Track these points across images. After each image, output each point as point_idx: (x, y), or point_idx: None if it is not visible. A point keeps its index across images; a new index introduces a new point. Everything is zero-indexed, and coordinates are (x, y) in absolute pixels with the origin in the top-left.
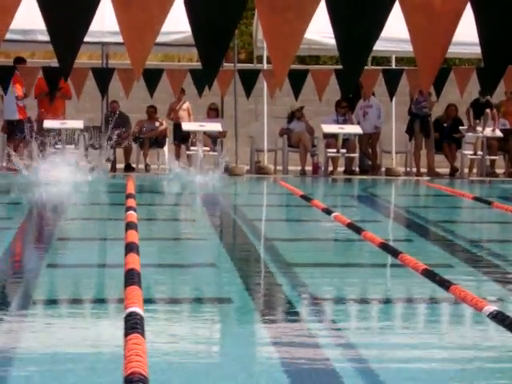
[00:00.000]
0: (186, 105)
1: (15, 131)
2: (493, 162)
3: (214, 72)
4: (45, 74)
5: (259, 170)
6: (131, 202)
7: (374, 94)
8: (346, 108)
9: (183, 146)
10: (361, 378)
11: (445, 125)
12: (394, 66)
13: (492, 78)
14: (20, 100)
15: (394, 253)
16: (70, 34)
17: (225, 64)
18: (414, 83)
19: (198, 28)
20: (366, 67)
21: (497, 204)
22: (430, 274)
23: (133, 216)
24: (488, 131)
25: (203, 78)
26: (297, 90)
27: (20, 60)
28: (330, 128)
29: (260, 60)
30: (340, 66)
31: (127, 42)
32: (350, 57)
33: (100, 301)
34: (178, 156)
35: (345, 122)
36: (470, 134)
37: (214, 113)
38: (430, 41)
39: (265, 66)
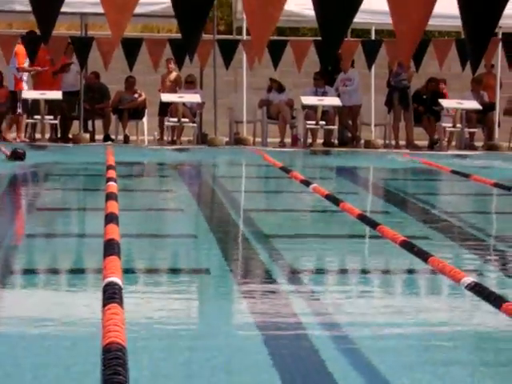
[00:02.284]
0: (174, 75)
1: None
2: (472, 134)
3: (194, 43)
4: (24, 43)
5: (238, 142)
6: (111, 173)
7: (353, 66)
8: (322, 80)
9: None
10: (338, 346)
11: (424, 97)
12: (373, 38)
13: (475, 51)
14: (19, 72)
15: (373, 224)
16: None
17: (204, 35)
18: (392, 55)
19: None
20: (344, 39)
21: (475, 177)
22: (408, 246)
23: (113, 187)
24: (467, 104)
25: (184, 49)
26: (276, 60)
27: (31, 33)
28: (310, 100)
29: (239, 31)
30: (319, 38)
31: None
32: (330, 29)
33: (79, 271)
34: (162, 127)
35: (323, 94)
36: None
37: (191, 85)
38: (410, 13)
39: (244, 37)
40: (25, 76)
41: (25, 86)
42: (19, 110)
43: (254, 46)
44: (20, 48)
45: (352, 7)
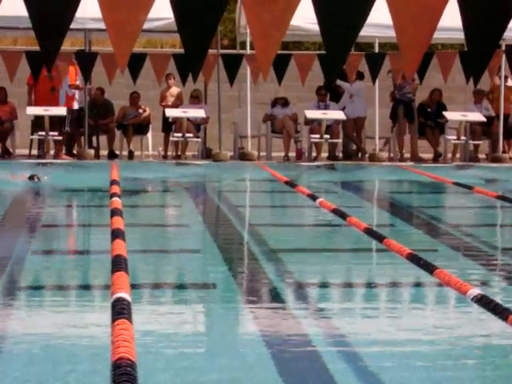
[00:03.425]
0: (175, 90)
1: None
2: (476, 146)
3: (199, 61)
4: (28, 60)
5: (243, 156)
6: (115, 189)
7: (362, 78)
8: (324, 95)
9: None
10: (345, 362)
11: (429, 110)
12: (376, 51)
13: (477, 63)
14: (71, 89)
15: (379, 238)
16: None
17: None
18: (396, 67)
19: (182, 16)
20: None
21: (478, 189)
22: (414, 259)
23: (117, 202)
24: (471, 116)
25: (188, 67)
26: (280, 75)
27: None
28: (314, 114)
29: (243, 46)
30: (323, 52)
31: (112, 35)
32: (334, 43)
33: (87, 287)
34: (166, 143)
35: (326, 107)
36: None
37: (196, 99)
38: (415, 27)
39: (248, 51)
40: (76, 94)
41: (76, 104)
42: (67, 128)
43: (260, 64)
44: (72, 66)
45: (357, 22)
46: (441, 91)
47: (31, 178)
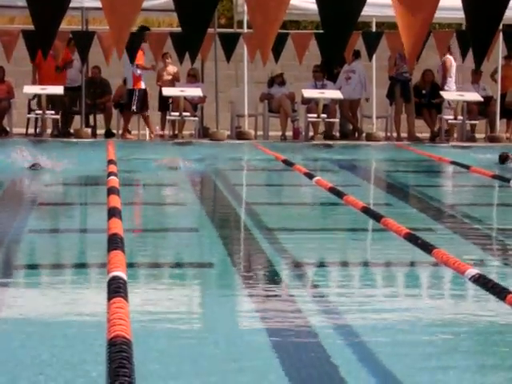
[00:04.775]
0: (171, 69)
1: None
2: (473, 126)
3: (197, 40)
4: (25, 39)
5: (240, 136)
6: (112, 168)
7: (359, 57)
8: (321, 73)
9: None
10: (341, 341)
11: (423, 91)
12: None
13: (479, 45)
14: (138, 69)
15: (377, 217)
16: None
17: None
18: (393, 47)
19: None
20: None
21: (474, 168)
22: (412, 238)
23: (114, 181)
24: (468, 96)
25: (186, 46)
26: (277, 53)
27: (144, 29)
28: (311, 93)
29: (240, 25)
30: (320, 31)
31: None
32: (333, 24)
33: (83, 265)
34: (163, 122)
35: (322, 87)
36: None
37: (193, 78)
38: (414, 11)
39: (245, 30)
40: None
41: (143, 84)
42: (133, 108)
43: (260, 44)
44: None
45: (357, 4)
46: (432, 72)
47: (33, 166)
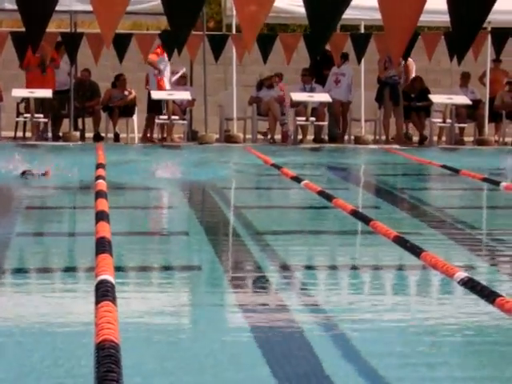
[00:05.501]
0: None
1: None
2: (462, 129)
3: (184, 36)
4: (14, 41)
5: (228, 139)
6: (101, 172)
7: (347, 59)
8: (310, 77)
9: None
10: (330, 343)
11: (412, 95)
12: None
13: (461, 44)
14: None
15: (365, 220)
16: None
17: (193, 32)
18: (382, 49)
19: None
20: (333, 33)
21: (464, 172)
22: (401, 241)
23: (102, 185)
24: (457, 99)
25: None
26: (265, 55)
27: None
28: (300, 96)
29: (229, 29)
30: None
31: (97, 12)
32: (319, 20)
33: (71, 269)
34: (151, 126)
35: (311, 90)
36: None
37: (182, 80)
38: (400, 10)
39: (234, 32)
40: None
41: (167, 84)
42: (164, 111)
43: (245, 35)
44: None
45: (342, 2)
46: (422, 78)
47: (23, 173)
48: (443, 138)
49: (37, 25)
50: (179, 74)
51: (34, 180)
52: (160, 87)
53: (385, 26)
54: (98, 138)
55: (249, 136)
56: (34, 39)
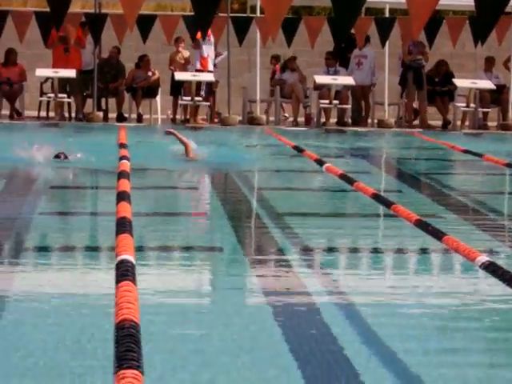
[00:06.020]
0: (184, 54)
1: None
2: (485, 114)
3: (208, 20)
4: (38, 21)
5: (251, 121)
6: (124, 152)
7: (368, 41)
8: (333, 60)
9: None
10: (350, 325)
11: (436, 80)
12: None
13: (484, 25)
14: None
15: (387, 203)
16: None
17: (218, 14)
18: (405, 31)
19: None
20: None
21: (487, 157)
22: (422, 225)
23: (126, 165)
24: (481, 83)
25: (198, 26)
26: (289, 37)
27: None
28: (323, 79)
29: (253, 10)
30: (333, 15)
31: None
32: (343, 5)
33: (93, 249)
34: (175, 107)
35: (335, 73)
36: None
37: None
38: None
39: (258, 14)
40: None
41: (210, 65)
42: (202, 93)
43: (269, 23)
44: None
45: None
46: (446, 62)
47: (57, 156)
48: (467, 123)
49: (60, 4)
50: (222, 56)
51: (65, 162)
52: (203, 67)
53: (407, 4)
54: (121, 118)
55: (272, 118)
56: (58, 18)
